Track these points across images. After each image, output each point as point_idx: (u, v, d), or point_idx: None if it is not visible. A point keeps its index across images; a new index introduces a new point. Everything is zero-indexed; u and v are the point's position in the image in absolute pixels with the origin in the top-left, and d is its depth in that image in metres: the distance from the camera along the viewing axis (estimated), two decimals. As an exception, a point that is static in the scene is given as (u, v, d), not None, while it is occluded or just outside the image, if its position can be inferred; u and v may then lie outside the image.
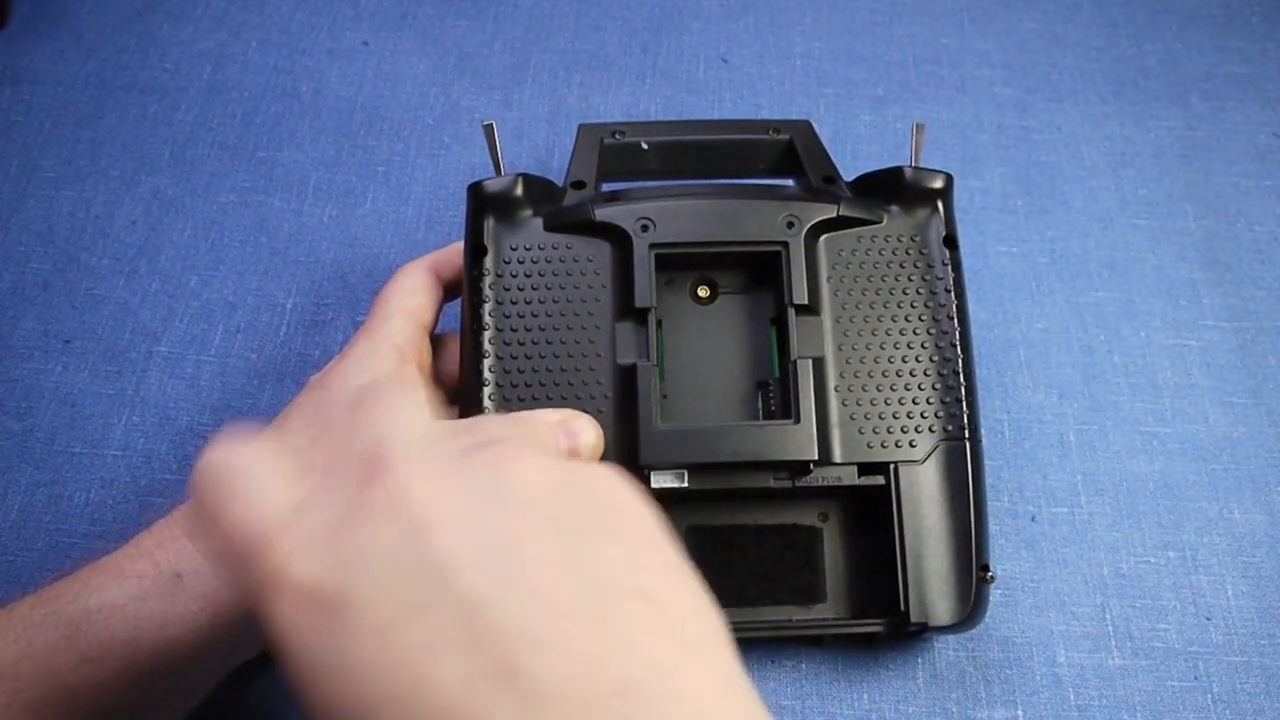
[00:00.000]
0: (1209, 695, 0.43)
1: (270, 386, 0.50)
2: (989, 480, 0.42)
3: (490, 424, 0.28)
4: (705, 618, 0.23)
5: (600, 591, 0.21)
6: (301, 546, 0.22)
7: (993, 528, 0.44)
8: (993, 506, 0.43)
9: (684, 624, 0.22)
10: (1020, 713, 0.43)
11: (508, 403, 0.40)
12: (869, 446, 0.41)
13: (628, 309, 0.41)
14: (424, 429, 0.25)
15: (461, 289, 0.43)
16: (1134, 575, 0.46)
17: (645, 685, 0.20)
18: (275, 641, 0.22)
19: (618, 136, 0.48)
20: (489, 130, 0.44)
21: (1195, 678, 0.44)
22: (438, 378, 0.42)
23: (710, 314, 0.43)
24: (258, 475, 0.24)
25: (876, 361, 0.42)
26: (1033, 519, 0.48)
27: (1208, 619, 0.45)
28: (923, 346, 0.42)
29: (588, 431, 0.35)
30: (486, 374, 0.40)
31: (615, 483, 0.25)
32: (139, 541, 0.35)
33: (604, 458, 0.39)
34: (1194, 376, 0.52)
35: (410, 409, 0.25)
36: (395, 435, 0.24)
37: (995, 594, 0.45)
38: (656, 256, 0.41)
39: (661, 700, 0.20)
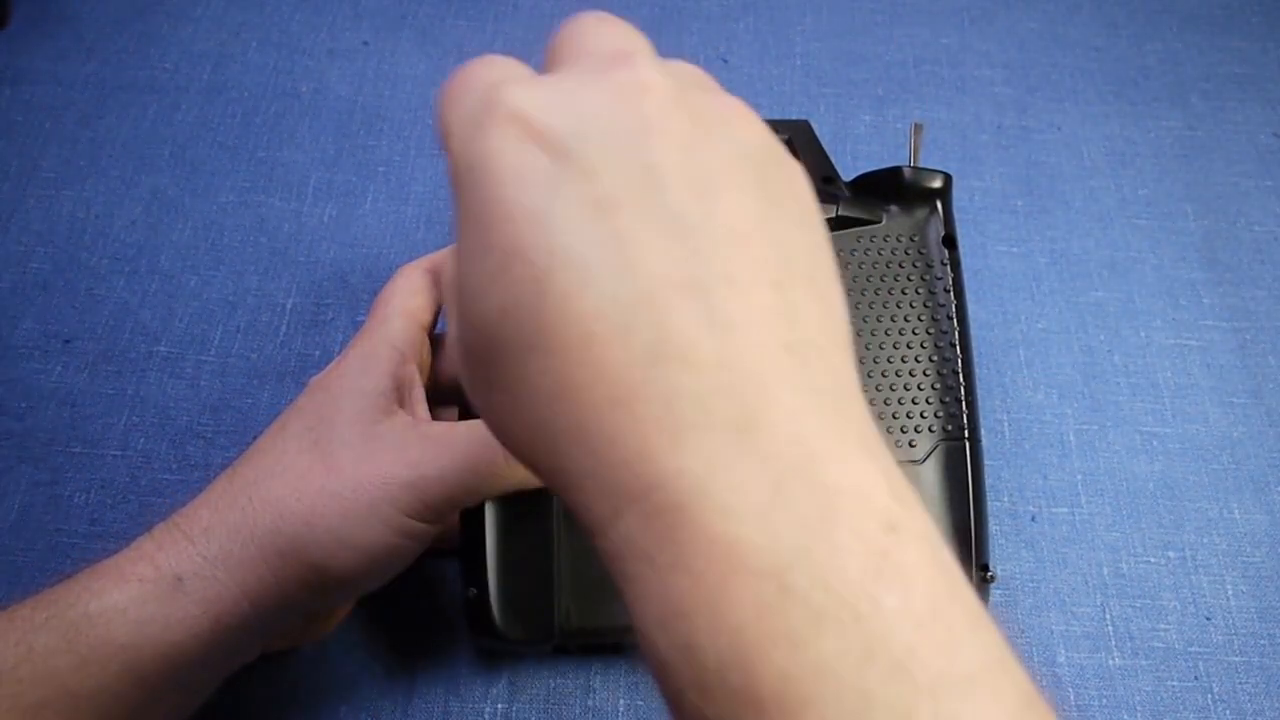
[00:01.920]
0: (1209, 695, 0.44)
1: (270, 386, 0.50)
2: (989, 480, 0.42)
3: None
4: (849, 325, 0.23)
5: (784, 263, 0.21)
6: (541, 95, 0.22)
7: (993, 528, 0.44)
8: (993, 506, 0.43)
9: (841, 322, 0.23)
10: (1020, 713, 0.43)
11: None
12: (869, 447, 0.41)
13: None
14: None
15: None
16: (1134, 575, 0.46)
17: (807, 349, 0.21)
18: (475, 172, 0.22)
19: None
20: None
21: (1195, 678, 0.44)
22: (438, 378, 0.42)
23: (710, 314, 0.43)
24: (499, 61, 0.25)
25: (876, 361, 0.42)
26: (1033, 519, 0.48)
27: (1208, 619, 0.45)
28: (922, 346, 0.42)
29: None
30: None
31: (806, 181, 0.25)
32: (139, 545, 0.35)
33: None
34: (1194, 376, 0.52)
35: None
36: (643, 49, 0.24)
37: (995, 594, 0.45)
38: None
39: (818, 366, 0.20)
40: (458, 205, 0.22)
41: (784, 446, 0.19)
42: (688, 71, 0.26)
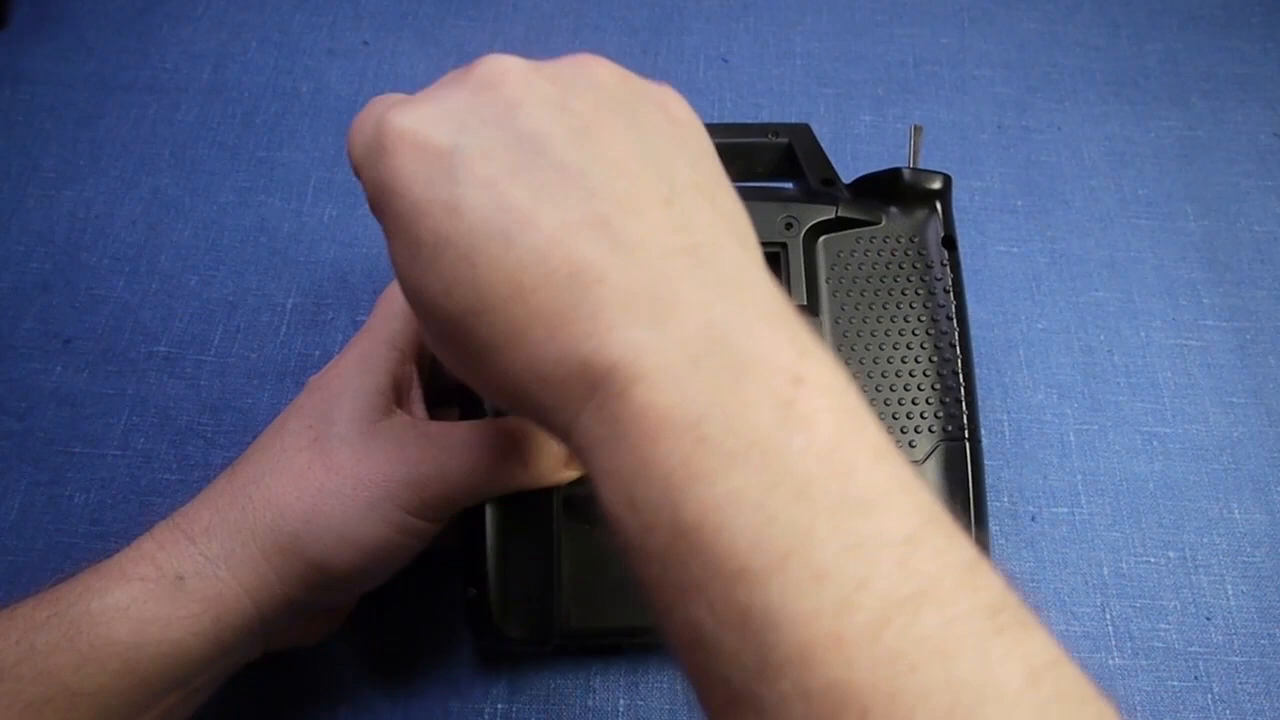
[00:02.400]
0: (1209, 695, 0.44)
1: (270, 386, 0.50)
2: (989, 480, 0.42)
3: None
4: (748, 222, 0.27)
5: (667, 181, 0.25)
6: (418, 110, 0.26)
7: (993, 528, 0.44)
8: (993, 506, 0.43)
9: (734, 220, 0.26)
10: (1020, 713, 0.43)
11: (508, 403, 0.40)
12: (869, 447, 0.41)
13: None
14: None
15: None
16: (1134, 575, 0.46)
17: (705, 249, 0.24)
18: (386, 191, 0.25)
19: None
20: None
21: (1195, 678, 0.44)
22: (438, 378, 0.42)
23: (710, 314, 0.43)
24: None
25: (875, 362, 0.42)
26: (1033, 519, 0.48)
27: (1208, 619, 0.45)
28: (922, 347, 0.42)
29: None
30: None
31: (679, 101, 0.28)
32: (140, 544, 0.35)
33: None
34: (1194, 376, 0.52)
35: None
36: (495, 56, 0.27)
37: (995, 594, 0.45)
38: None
39: (717, 261, 0.24)
40: (383, 223, 0.26)
41: (696, 330, 0.22)
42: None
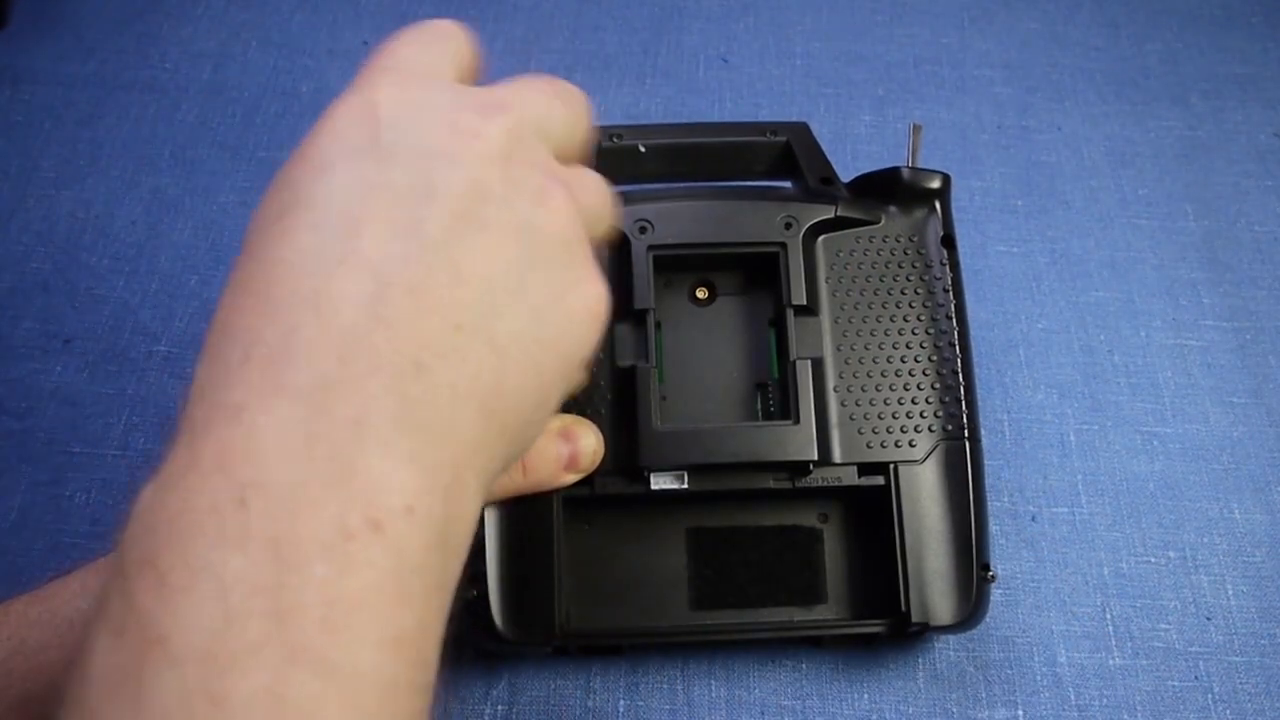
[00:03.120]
0: (1209, 695, 0.44)
1: (270, 387, 0.50)
2: (989, 480, 0.42)
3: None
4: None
5: (477, 315, 0.23)
6: (408, 90, 0.25)
7: (993, 528, 0.44)
8: (993, 506, 0.43)
9: (487, 402, 0.24)
10: (1021, 713, 0.43)
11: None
12: (868, 447, 0.41)
13: (626, 311, 0.41)
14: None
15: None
16: (1134, 575, 0.46)
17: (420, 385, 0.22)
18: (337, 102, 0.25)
19: (615, 139, 0.48)
20: None
21: (1196, 678, 0.44)
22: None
23: (709, 315, 0.43)
24: None
25: (875, 362, 0.42)
26: (1033, 519, 0.48)
27: (1208, 619, 0.45)
28: (921, 346, 0.42)
29: (588, 438, 0.35)
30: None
31: (589, 302, 0.26)
32: None
33: (603, 460, 0.39)
34: (1194, 376, 0.52)
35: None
36: (522, 104, 0.26)
37: (995, 594, 0.45)
38: (655, 258, 0.41)
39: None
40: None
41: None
42: (547, 145, 0.27)
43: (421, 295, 0.22)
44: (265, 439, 0.19)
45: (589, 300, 0.26)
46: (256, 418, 0.20)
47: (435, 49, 0.27)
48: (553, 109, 0.27)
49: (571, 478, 0.38)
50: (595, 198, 0.28)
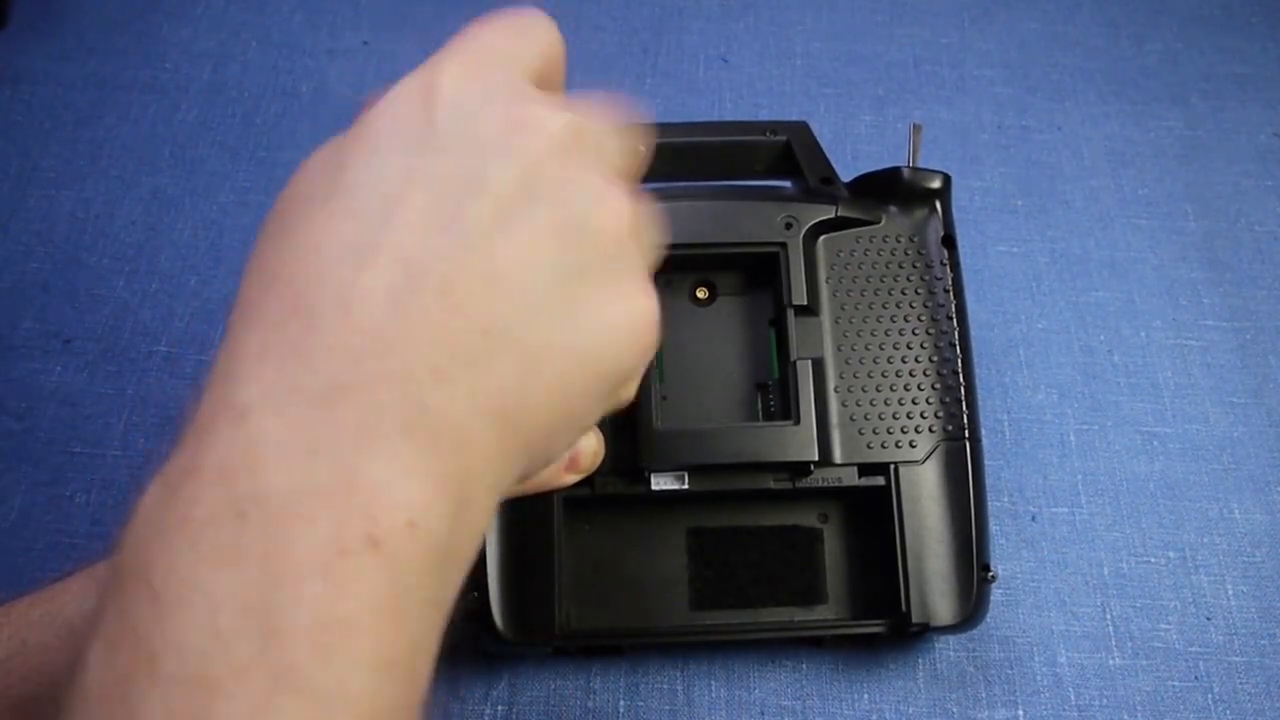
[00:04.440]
0: (1209, 695, 0.44)
1: (270, 387, 0.50)
2: (989, 480, 0.42)
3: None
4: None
5: (506, 324, 0.22)
6: (471, 82, 0.23)
7: (993, 528, 0.44)
8: (993, 506, 0.43)
9: (518, 412, 0.23)
10: (1021, 713, 0.43)
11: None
12: (869, 447, 0.41)
13: (627, 310, 0.41)
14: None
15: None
16: (1134, 575, 0.46)
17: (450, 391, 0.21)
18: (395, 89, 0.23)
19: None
20: None
21: (1195, 678, 0.44)
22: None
23: (709, 315, 0.43)
24: None
25: (876, 362, 0.42)
26: (1033, 519, 0.48)
27: (1208, 619, 0.45)
28: (922, 347, 0.42)
29: (589, 438, 0.34)
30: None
31: (637, 307, 0.25)
32: None
33: (604, 461, 0.39)
34: (1194, 376, 0.52)
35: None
36: (584, 114, 0.25)
37: (996, 594, 0.45)
38: (656, 257, 0.41)
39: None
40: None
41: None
42: (607, 150, 0.25)
43: (451, 294, 0.21)
44: (268, 447, 0.19)
45: (635, 315, 0.24)
46: (263, 421, 0.19)
47: (515, 40, 0.25)
48: (615, 132, 0.26)
49: (572, 478, 0.38)
50: (651, 221, 0.26)
